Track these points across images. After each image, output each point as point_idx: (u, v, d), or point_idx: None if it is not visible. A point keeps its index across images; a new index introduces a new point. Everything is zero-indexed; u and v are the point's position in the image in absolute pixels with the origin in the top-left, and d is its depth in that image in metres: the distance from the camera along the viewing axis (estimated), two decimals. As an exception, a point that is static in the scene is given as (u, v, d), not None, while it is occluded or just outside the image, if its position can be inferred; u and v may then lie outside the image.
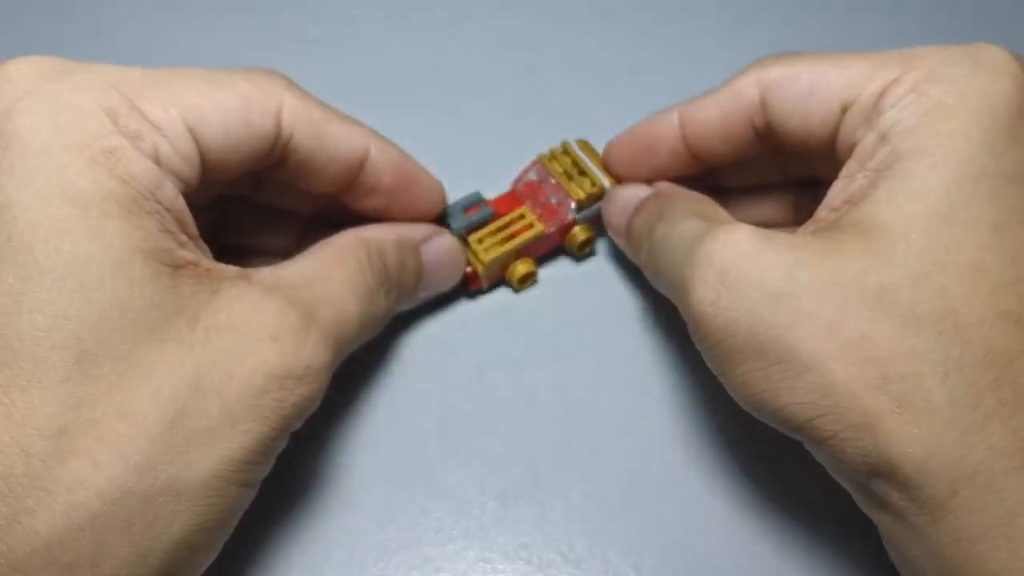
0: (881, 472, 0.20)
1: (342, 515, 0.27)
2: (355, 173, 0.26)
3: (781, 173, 0.30)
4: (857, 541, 0.26)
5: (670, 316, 0.31)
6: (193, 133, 0.21)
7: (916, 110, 0.21)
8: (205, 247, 0.21)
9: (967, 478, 0.19)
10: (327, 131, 0.24)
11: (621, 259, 0.32)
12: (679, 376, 0.30)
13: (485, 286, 0.30)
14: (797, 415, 0.20)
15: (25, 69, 0.20)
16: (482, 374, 0.30)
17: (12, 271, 0.18)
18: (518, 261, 0.30)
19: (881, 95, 0.22)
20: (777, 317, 0.20)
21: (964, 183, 0.20)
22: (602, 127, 0.32)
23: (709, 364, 0.23)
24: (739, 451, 0.28)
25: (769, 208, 0.31)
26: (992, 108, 0.20)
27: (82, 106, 0.19)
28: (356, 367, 0.30)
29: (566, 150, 0.32)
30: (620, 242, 0.31)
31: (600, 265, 0.33)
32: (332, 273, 0.24)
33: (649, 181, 0.30)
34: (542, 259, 0.32)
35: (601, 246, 0.33)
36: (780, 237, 0.21)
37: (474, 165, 0.34)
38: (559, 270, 0.33)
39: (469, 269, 0.29)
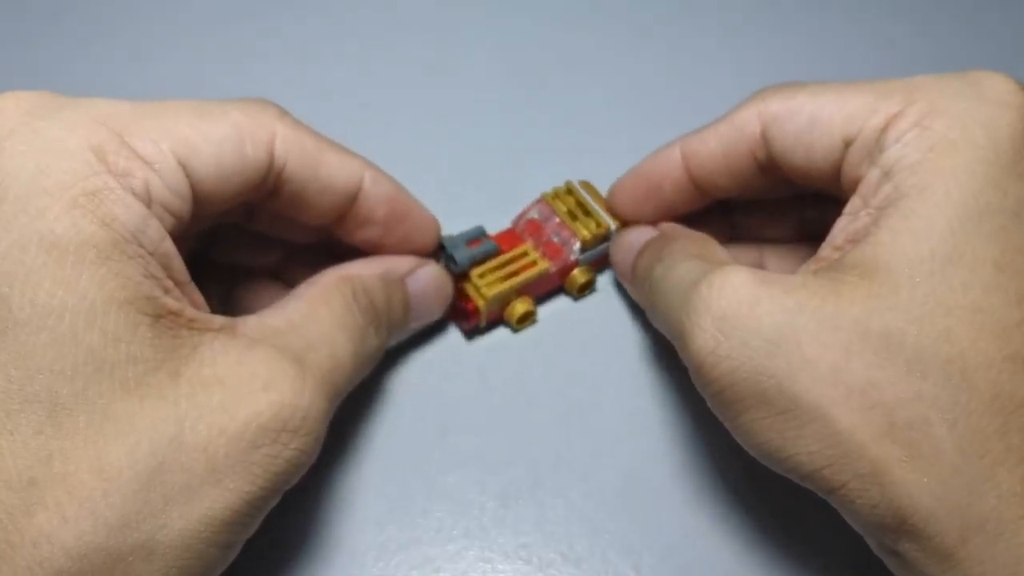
0: (889, 524, 0.19)
1: (342, 515, 0.27)
2: (349, 204, 0.25)
3: (788, 188, 0.29)
4: (857, 540, 0.27)
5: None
6: (184, 166, 0.20)
7: (919, 145, 0.21)
8: (193, 289, 0.21)
9: (976, 527, 0.19)
10: (320, 160, 0.24)
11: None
12: (681, 378, 0.30)
13: (484, 323, 0.30)
14: (804, 465, 0.20)
15: (11, 105, 0.19)
16: (482, 375, 0.30)
17: None
18: (518, 300, 0.29)
19: (884, 129, 0.22)
20: (779, 364, 0.20)
21: (968, 222, 0.19)
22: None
23: (714, 411, 0.23)
24: (739, 451, 0.28)
25: (777, 225, 0.30)
26: (996, 142, 0.20)
27: (68, 145, 0.19)
28: (356, 367, 0.30)
29: (570, 190, 0.32)
30: (627, 285, 0.30)
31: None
32: (320, 315, 0.23)
33: (656, 220, 0.30)
34: (539, 300, 0.31)
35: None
36: (779, 280, 0.21)
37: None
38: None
39: (469, 305, 0.29)
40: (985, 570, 0.19)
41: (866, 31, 0.42)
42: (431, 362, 0.30)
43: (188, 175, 0.21)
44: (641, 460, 0.28)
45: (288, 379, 0.20)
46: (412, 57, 0.41)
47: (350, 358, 0.24)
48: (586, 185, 0.32)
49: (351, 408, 0.29)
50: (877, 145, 0.22)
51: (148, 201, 0.20)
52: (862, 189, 0.22)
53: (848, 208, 0.22)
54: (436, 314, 0.30)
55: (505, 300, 0.30)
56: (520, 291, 0.30)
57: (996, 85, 0.21)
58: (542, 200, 0.32)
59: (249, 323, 0.22)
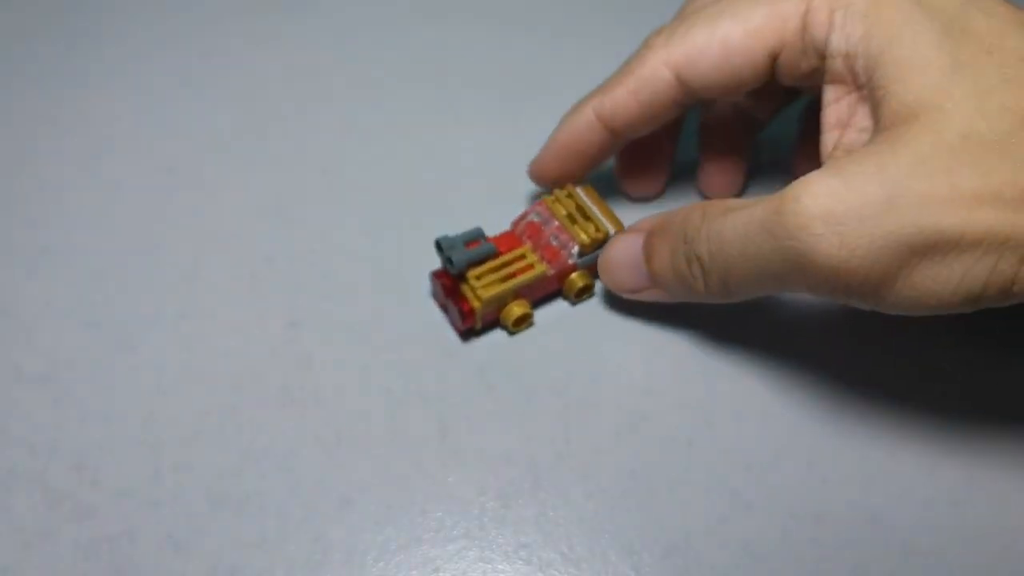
0: None
1: (342, 515, 0.27)
2: None
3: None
4: (857, 540, 0.26)
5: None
6: None
7: (853, 18, 0.23)
8: None
9: None
10: None
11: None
12: (680, 378, 0.30)
13: (479, 325, 0.29)
14: (978, 278, 0.21)
15: None
16: (482, 374, 0.30)
17: None
18: (514, 303, 0.29)
19: (805, 28, 0.24)
20: (902, 214, 0.21)
21: (945, 35, 0.22)
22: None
23: (869, 302, 0.22)
24: (739, 451, 0.28)
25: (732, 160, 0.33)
26: None
27: None
28: (356, 366, 0.30)
29: (570, 194, 0.31)
30: (636, 296, 0.30)
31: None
32: None
33: (578, 177, 0.32)
34: (536, 304, 0.31)
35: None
36: (843, 164, 0.22)
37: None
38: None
39: (465, 306, 0.29)
40: None
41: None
42: (431, 362, 0.30)
43: None
44: (641, 460, 0.28)
45: None
46: (415, 55, 0.41)
47: None
48: (587, 190, 0.32)
49: (351, 408, 0.29)
50: (810, 42, 0.25)
51: None
52: (833, 79, 0.25)
53: (830, 97, 0.25)
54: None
55: (502, 302, 0.29)
56: (517, 294, 0.30)
57: None
58: (542, 203, 0.32)
59: None
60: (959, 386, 0.30)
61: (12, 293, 0.32)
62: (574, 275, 0.31)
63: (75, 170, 0.37)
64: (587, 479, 0.28)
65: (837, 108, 0.25)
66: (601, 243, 0.31)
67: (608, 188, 0.33)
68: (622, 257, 0.29)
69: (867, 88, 0.24)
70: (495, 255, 0.30)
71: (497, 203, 0.33)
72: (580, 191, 0.32)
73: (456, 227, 0.30)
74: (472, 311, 0.29)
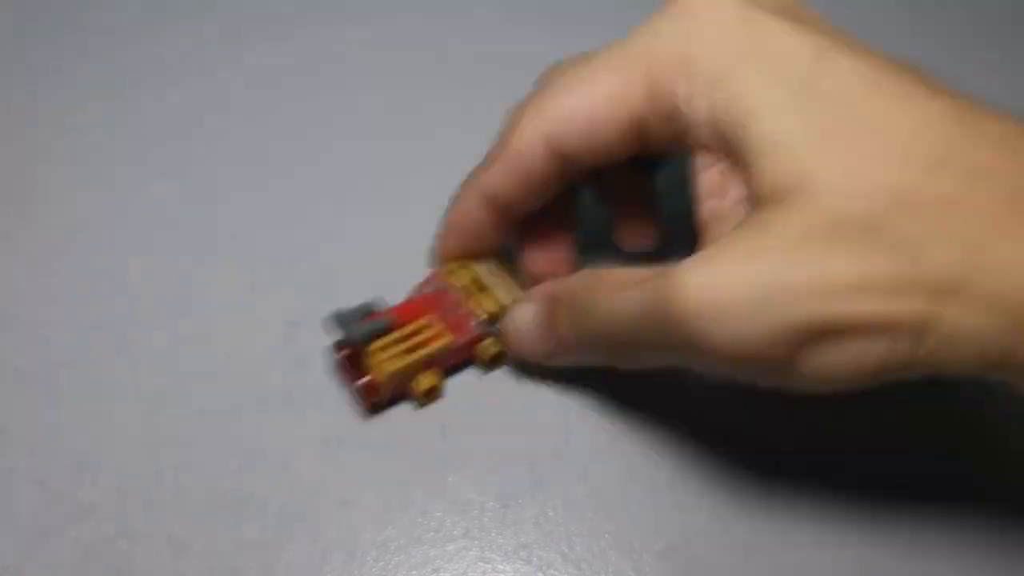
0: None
1: (342, 515, 0.27)
2: None
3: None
4: (856, 540, 0.26)
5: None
6: None
7: (704, 88, 0.23)
8: None
9: None
10: None
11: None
12: (679, 378, 0.30)
13: (386, 398, 0.28)
14: (873, 360, 0.21)
15: None
16: (482, 374, 0.30)
17: None
18: (423, 374, 0.28)
19: (654, 97, 0.24)
20: (785, 307, 0.20)
21: (805, 99, 0.21)
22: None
23: (777, 382, 0.22)
24: (739, 451, 0.28)
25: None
26: (721, 17, 0.23)
27: None
28: (356, 367, 0.30)
29: (463, 265, 0.30)
30: (547, 362, 0.29)
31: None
32: None
33: (484, 250, 0.30)
34: (446, 373, 0.30)
35: None
36: (720, 252, 0.22)
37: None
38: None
39: (368, 380, 0.28)
40: None
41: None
42: (431, 362, 0.30)
43: None
44: (641, 460, 0.28)
45: None
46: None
47: None
48: (491, 261, 0.31)
49: (351, 408, 0.29)
50: (663, 110, 0.24)
51: None
52: (699, 147, 0.24)
53: (700, 164, 0.25)
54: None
55: (408, 374, 0.28)
56: (426, 364, 0.28)
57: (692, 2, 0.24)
58: (437, 275, 0.31)
59: None
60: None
61: (12, 293, 0.32)
62: (487, 341, 0.30)
63: (75, 170, 0.37)
64: (587, 479, 0.28)
65: (709, 176, 0.24)
66: (501, 314, 0.29)
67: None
68: (524, 325, 0.28)
69: (733, 161, 0.23)
70: (395, 326, 0.28)
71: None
72: (480, 264, 0.30)
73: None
74: (375, 385, 0.27)
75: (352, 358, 0.29)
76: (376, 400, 0.29)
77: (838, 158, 0.21)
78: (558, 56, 0.28)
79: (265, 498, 0.27)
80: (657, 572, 0.26)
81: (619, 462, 0.28)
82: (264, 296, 0.32)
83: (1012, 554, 0.26)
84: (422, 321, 0.29)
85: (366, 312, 0.29)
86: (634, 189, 0.31)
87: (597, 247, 0.32)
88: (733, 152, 0.23)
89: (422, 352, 0.28)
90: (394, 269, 0.31)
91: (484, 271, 0.31)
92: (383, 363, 0.28)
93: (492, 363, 0.30)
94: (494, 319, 0.30)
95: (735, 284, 0.21)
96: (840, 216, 0.20)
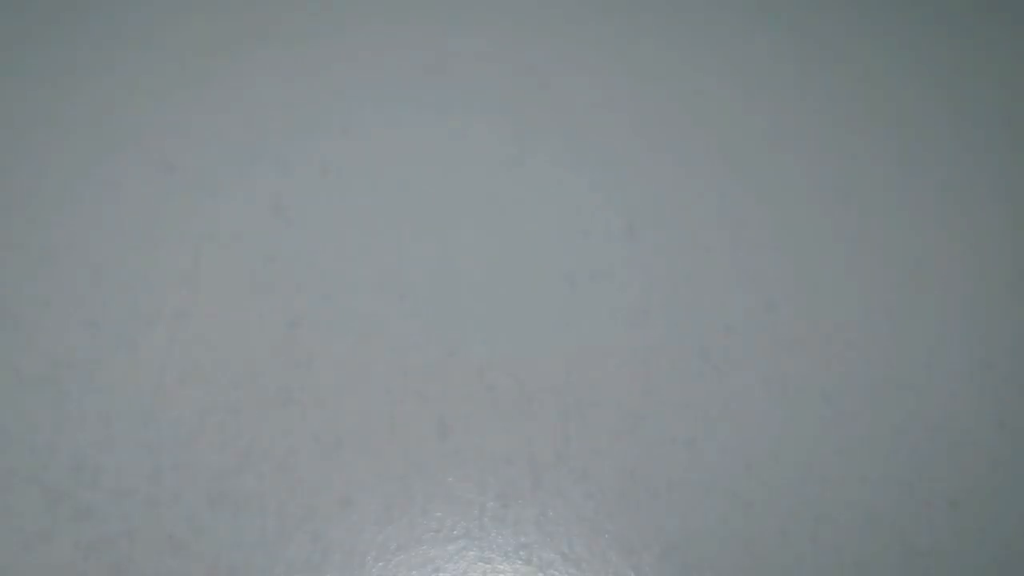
0: None
1: (342, 515, 0.27)
2: None
3: None
4: (857, 539, 0.26)
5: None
6: None
7: None
8: None
9: None
10: None
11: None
12: (680, 379, 0.30)
13: None
14: None
15: None
16: (482, 374, 0.30)
17: None
18: None
19: None
20: None
21: None
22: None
23: None
24: (739, 451, 0.28)
25: None
26: None
27: None
28: (356, 366, 0.30)
29: None
30: None
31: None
32: None
33: None
34: None
35: None
36: None
37: None
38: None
39: None
40: None
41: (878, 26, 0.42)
42: (431, 362, 0.30)
43: None
44: (641, 460, 0.28)
45: None
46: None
47: None
48: None
49: (351, 407, 0.29)
50: None
51: None
52: None
53: None
54: None
55: None
56: None
57: None
58: None
59: None
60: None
61: (12, 293, 0.32)
62: None
63: (75, 170, 0.37)
64: (587, 479, 0.28)
65: None
66: None
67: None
68: None
69: None
70: None
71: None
72: None
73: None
74: None
75: None
76: None
77: None
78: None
79: (265, 498, 0.27)
80: (657, 572, 0.26)
81: (619, 462, 0.28)
82: (264, 296, 0.32)
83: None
84: None
85: None
86: None
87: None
88: None
89: None
90: (394, 268, 0.31)
91: None
92: None
93: None
94: None
95: None
96: None
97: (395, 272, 0.33)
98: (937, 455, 0.29)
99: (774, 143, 0.35)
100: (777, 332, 0.32)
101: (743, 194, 0.36)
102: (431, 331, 0.32)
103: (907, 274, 0.34)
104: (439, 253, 0.32)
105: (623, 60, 0.41)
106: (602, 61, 0.41)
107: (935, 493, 0.28)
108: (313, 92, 0.40)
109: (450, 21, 0.43)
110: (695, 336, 0.32)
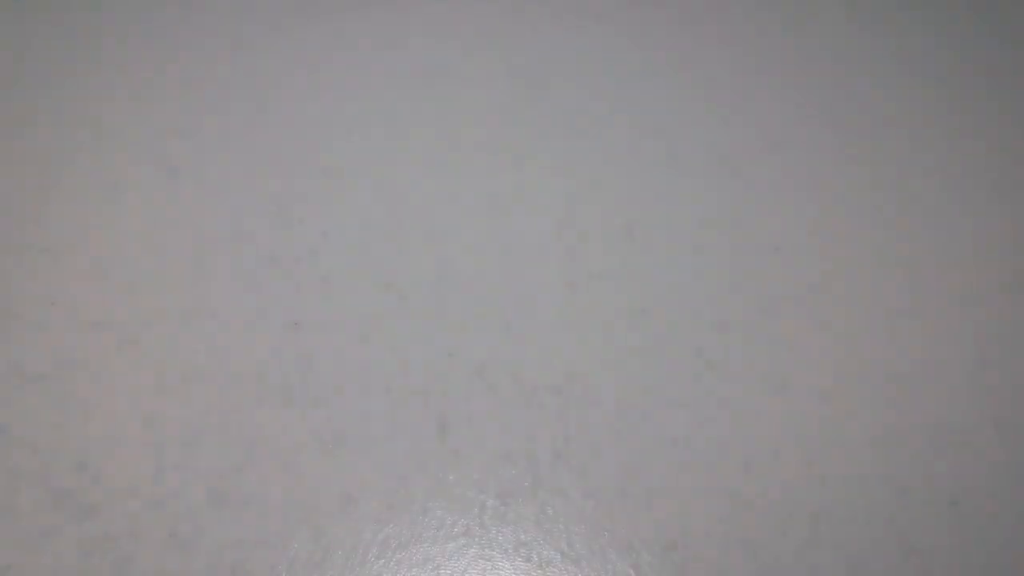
0: None
1: (343, 513, 0.27)
2: None
3: None
4: (857, 539, 0.27)
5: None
6: None
7: None
8: None
9: None
10: None
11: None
12: (679, 378, 0.30)
13: None
14: None
15: None
16: (482, 373, 0.30)
17: None
18: None
19: None
20: None
21: None
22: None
23: None
24: (738, 451, 0.28)
25: None
26: None
27: None
28: (356, 366, 0.30)
29: None
30: None
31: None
32: None
33: None
34: None
35: None
36: None
37: None
38: None
39: None
40: None
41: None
42: (431, 361, 0.30)
43: None
44: (641, 458, 0.28)
45: None
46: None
47: None
48: None
49: (351, 408, 0.29)
50: None
51: None
52: None
53: None
54: None
55: None
56: None
57: None
58: None
59: None
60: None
61: (13, 293, 0.32)
62: None
63: (76, 170, 0.37)
64: (586, 478, 0.28)
65: None
66: None
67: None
68: None
69: None
70: None
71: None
72: None
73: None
74: None
75: None
76: None
77: None
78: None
79: (266, 497, 0.27)
80: (656, 571, 0.26)
81: (619, 462, 0.28)
82: (265, 296, 0.32)
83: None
84: None
85: None
86: None
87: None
88: None
89: None
90: (394, 268, 0.32)
91: None
92: None
93: None
94: None
95: None
96: None
97: (395, 272, 0.33)
98: (937, 455, 0.29)
99: (773, 144, 0.36)
100: (776, 332, 0.32)
101: (742, 194, 0.37)
102: (431, 331, 0.32)
103: (906, 274, 0.34)
104: (439, 253, 0.32)
105: (623, 60, 0.41)
106: (602, 61, 0.41)
107: (935, 493, 0.28)
108: (315, 93, 0.40)
109: (450, 21, 0.43)
110: (694, 336, 0.32)
